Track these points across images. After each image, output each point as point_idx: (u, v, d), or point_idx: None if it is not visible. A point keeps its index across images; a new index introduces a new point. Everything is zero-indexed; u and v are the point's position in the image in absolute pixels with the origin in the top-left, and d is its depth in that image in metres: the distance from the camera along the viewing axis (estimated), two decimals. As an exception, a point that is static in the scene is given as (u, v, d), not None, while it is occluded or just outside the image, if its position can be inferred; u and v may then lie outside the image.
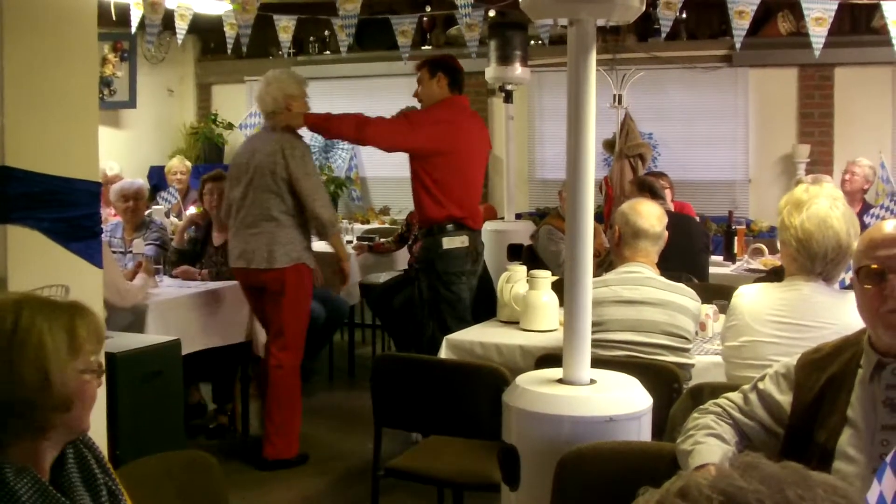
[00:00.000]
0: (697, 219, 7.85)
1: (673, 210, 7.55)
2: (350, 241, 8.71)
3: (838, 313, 3.40)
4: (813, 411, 2.62)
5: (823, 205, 3.42)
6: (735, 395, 2.81)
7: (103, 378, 2.32)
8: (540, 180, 10.96)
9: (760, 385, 2.77)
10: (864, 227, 3.34)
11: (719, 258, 7.50)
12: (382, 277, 8.17)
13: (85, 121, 4.09)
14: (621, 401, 3.28)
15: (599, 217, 7.26)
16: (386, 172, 10.91)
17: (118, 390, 4.55)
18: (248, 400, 6.76)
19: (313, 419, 6.94)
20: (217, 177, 6.96)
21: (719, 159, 10.17)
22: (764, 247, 7.47)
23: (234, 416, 6.76)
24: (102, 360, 2.28)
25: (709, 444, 2.65)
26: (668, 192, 7.85)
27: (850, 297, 3.57)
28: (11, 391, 2.09)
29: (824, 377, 2.64)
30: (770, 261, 7.05)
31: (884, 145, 9.16)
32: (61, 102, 3.95)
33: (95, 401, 2.29)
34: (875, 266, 2.55)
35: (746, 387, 2.81)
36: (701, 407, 2.85)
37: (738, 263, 7.43)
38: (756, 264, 7.20)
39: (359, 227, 9.48)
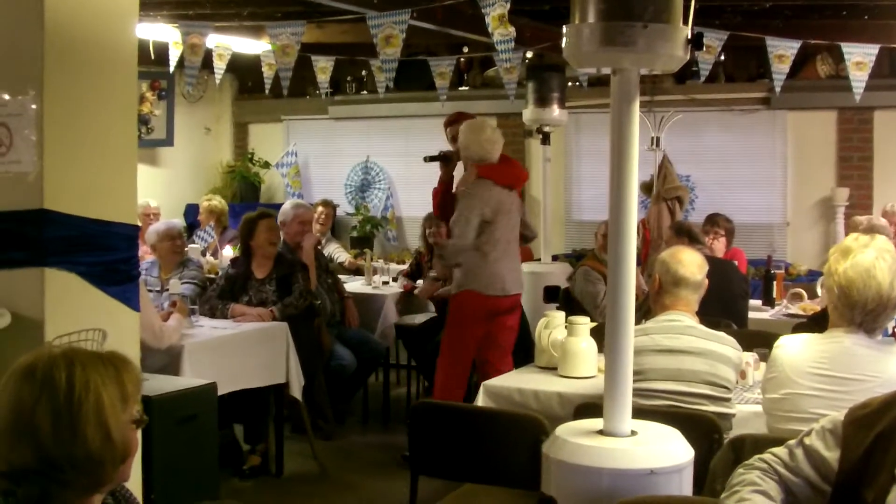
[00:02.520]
0: (742, 264, 7.78)
1: (724, 255, 7.52)
2: (386, 282, 8.69)
3: (881, 366, 3.36)
4: (861, 469, 2.57)
5: (870, 255, 3.37)
6: (780, 451, 2.76)
7: None
8: (577, 221, 10.94)
9: (807, 441, 2.71)
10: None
11: (758, 302, 7.40)
12: (418, 319, 8.14)
13: (123, 164, 4.10)
14: (663, 453, 3.24)
15: (637, 260, 7.21)
16: (422, 213, 10.89)
17: (153, 433, 4.52)
18: (283, 440, 6.71)
19: (347, 462, 6.92)
20: (265, 214, 7.02)
21: (757, 202, 10.12)
22: (803, 291, 7.40)
23: (267, 457, 6.71)
24: (142, 409, 2.27)
25: (754, 502, 2.60)
26: (723, 239, 7.79)
27: (894, 348, 3.51)
28: (75, 449, 2.07)
29: (872, 434, 2.58)
30: (810, 306, 6.97)
31: (924, 188, 9.10)
32: (100, 146, 3.97)
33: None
34: None
35: (792, 442, 2.76)
36: (746, 462, 2.80)
37: (776, 308, 7.34)
38: (795, 309, 7.12)
39: (395, 268, 9.43)
